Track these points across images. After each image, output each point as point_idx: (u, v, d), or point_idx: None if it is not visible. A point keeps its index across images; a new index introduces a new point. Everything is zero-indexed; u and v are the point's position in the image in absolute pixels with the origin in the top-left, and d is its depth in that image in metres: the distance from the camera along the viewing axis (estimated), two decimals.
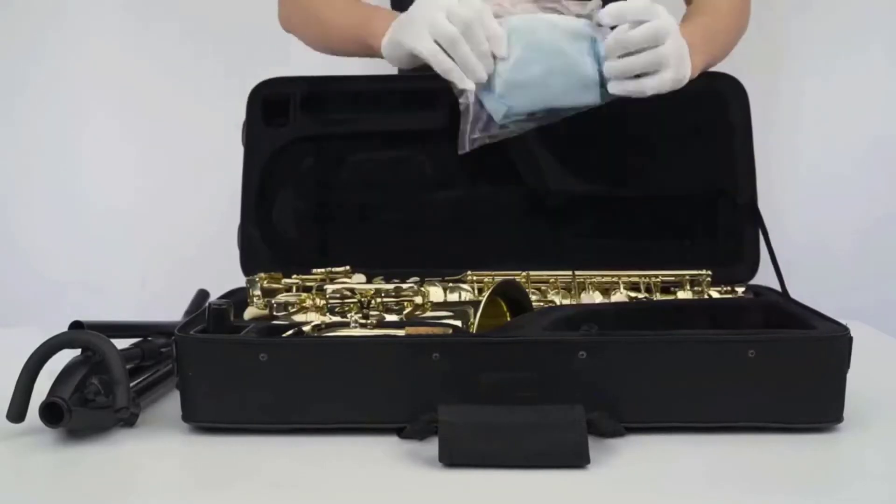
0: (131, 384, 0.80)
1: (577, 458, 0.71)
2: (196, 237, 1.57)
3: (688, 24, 1.03)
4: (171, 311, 1.11)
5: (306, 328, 0.84)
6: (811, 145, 1.61)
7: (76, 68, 1.65)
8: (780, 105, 1.60)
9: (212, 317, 0.82)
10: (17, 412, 0.77)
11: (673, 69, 0.91)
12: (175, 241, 1.65)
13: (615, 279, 0.97)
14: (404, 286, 0.89)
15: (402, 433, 0.76)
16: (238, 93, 1.11)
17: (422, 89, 1.04)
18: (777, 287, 0.98)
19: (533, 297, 0.93)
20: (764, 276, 1.03)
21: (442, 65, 0.90)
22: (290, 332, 0.84)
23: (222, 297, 0.95)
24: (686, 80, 0.94)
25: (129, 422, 0.80)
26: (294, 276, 0.95)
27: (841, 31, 1.58)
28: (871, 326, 1.13)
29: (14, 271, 1.68)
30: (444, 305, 0.90)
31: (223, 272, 1.06)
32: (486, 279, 0.96)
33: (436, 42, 0.90)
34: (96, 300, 1.59)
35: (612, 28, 0.91)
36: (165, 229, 1.66)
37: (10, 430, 0.78)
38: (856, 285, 1.58)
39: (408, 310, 0.88)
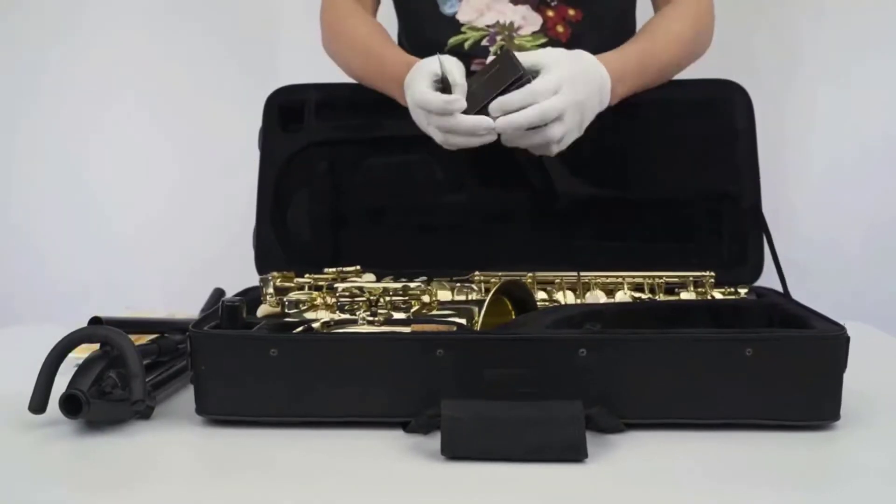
0: (148, 379, 0.83)
1: (575, 453, 0.72)
2: (215, 239, 1.60)
3: (627, 49, 1.05)
4: (191, 309, 1.14)
5: (316, 325, 0.86)
6: (823, 149, 1.62)
7: (97, 73, 1.69)
8: (793, 109, 1.61)
9: (225, 313, 0.84)
10: (38, 404, 0.80)
11: (564, 124, 0.94)
12: (194, 243, 1.68)
13: (619, 280, 0.99)
14: (412, 285, 0.91)
15: (406, 427, 0.78)
16: (256, 97, 1.13)
17: None
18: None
19: (538, 297, 0.95)
20: (770, 279, 1.04)
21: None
22: (300, 328, 0.86)
23: (236, 295, 0.98)
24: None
25: (145, 414, 0.83)
26: (306, 275, 0.97)
27: (853, 37, 1.59)
28: (880, 327, 1.13)
29: (39, 273, 1.72)
30: (450, 304, 0.92)
31: (241, 272, 1.09)
32: (492, 279, 0.97)
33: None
34: (118, 299, 1.63)
35: None
36: (185, 232, 1.69)
37: (32, 421, 0.81)
38: (867, 286, 1.58)
39: (415, 308, 0.90)
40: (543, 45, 1.12)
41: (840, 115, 1.61)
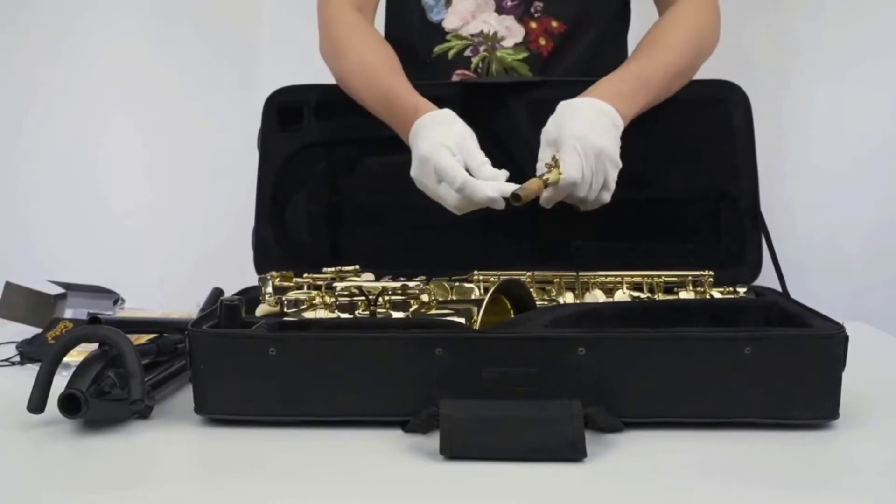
0: (146, 378, 0.83)
1: (573, 452, 0.72)
2: (213, 238, 1.61)
3: (627, 68, 1.04)
4: (190, 309, 1.14)
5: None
6: (821, 148, 1.62)
7: (95, 73, 1.70)
8: (791, 108, 1.62)
9: (224, 312, 0.84)
10: (37, 403, 0.80)
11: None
12: (193, 242, 1.68)
13: (618, 279, 0.99)
14: (411, 284, 0.91)
15: (405, 427, 0.78)
16: (253, 97, 1.14)
17: (430, 96, 1.06)
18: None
19: (537, 297, 0.95)
20: (769, 279, 1.04)
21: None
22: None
23: (235, 294, 0.98)
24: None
25: (144, 414, 0.83)
26: (305, 274, 0.97)
27: (851, 37, 1.60)
28: (879, 327, 1.13)
29: (35, 272, 1.72)
30: (449, 303, 0.92)
31: (239, 272, 1.09)
32: (491, 279, 0.98)
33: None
34: None
35: None
36: (184, 231, 1.70)
37: (31, 421, 0.81)
38: (866, 286, 1.58)
39: (414, 307, 0.91)
40: (524, 60, 1.13)
41: (838, 115, 1.61)
